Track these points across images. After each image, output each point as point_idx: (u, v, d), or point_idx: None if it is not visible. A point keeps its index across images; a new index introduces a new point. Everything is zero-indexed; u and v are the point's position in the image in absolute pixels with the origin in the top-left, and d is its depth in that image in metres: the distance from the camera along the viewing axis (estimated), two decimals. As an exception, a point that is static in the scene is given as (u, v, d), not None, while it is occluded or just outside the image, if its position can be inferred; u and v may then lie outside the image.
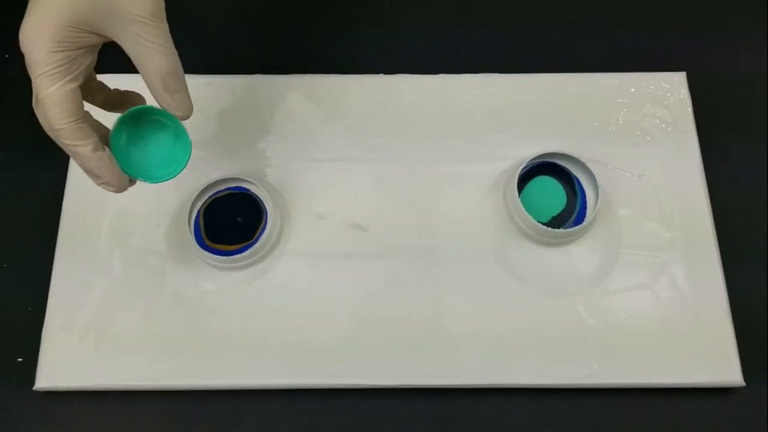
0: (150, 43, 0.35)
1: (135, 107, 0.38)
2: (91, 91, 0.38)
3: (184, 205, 0.49)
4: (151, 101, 0.39)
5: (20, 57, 0.54)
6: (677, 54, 0.55)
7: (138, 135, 0.39)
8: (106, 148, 0.36)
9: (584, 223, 0.48)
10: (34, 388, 0.45)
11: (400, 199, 0.50)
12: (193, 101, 0.51)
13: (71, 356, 0.45)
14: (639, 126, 0.52)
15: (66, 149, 0.35)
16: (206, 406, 0.46)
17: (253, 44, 0.56)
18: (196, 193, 0.48)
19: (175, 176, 0.40)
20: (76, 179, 0.50)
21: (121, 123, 0.38)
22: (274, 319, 0.46)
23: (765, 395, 0.46)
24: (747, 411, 0.46)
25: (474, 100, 0.52)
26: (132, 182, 0.39)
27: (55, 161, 0.50)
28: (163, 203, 0.49)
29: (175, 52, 0.37)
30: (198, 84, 0.52)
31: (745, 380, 0.45)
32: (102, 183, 0.37)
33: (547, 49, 0.56)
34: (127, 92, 0.41)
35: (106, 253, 0.48)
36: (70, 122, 0.34)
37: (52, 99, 0.34)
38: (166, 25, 0.36)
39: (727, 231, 0.49)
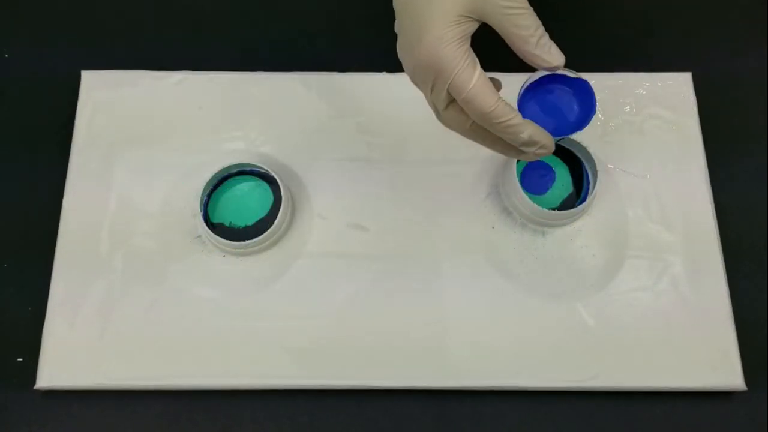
0: (518, 10, 0.37)
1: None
2: None
3: (185, 203, 0.49)
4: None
5: (20, 57, 0.55)
6: (681, 55, 0.55)
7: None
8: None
9: (584, 204, 0.47)
10: (35, 387, 0.45)
11: (402, 199, 0.49)
12: (195, 98, 0.51)
13: (71, 356, 0.45)
14: (643, 126, 0.51)
15: (499, 129, 0.37)
16: (206, 406, 0.46)
17: (254, 41, 0.56)
18: (200, 188, 0.48)
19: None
20: (76, 178, 0.50)
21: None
22: (274, 320, 0.46)
23: (766, 399, 0.46)
24: (748, 415, 0.46)
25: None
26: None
27: (55, 161, 0.50)
28: (164, 202, 0.49)
29: (533, 12, 0.38)
30: (201, 80, 0.52)
31: (747, 384, 0.45)
32: (539, 149, 0.39)
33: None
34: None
35: (106, 253, 0.48)
36: (498, 100, 0.37)
37: (477, 86, 0.36)
38: None
39: (730, 233, 0.49)
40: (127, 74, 0.52)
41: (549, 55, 0.38)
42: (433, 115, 0.51)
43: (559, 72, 0.40)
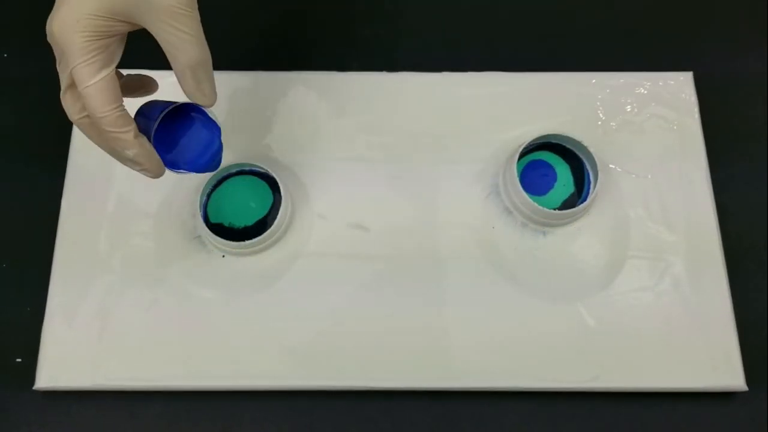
0: (181, 33, 0.35)
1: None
2: None
3: (184, 203, 0.49)
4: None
5: (20, 57, 0.55)
6: (682, 54, 0.55)
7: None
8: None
9: (585, 203, 0.47)
10: (34, 387, 0.45)
11: (403, 198, 0.49)
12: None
13: (71, 356, 0.45)
14: (644, 126, 0.51)
15: (106, 137, 0.36)
16: (206, 406, 0.46)
17: (253, 40, 0.56)
18: (199, 188, 0.48)
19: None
20: (75, 178, 0.49)
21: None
22: (274, 320, 0.46)
23: (767, 399, 0.46)
24: (749, 415, 0.46)
25: (478, 99, 0.52)
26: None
27: (54, 160, 0.50)
28: (163, 202, 0.49)
29: (206, 43, 0.37)
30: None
31: (748, 384, 0.45)
32: (142, 170, 0.38)
33: (553, 47, 0.55)
34: (141, 77, 0.42)
35: (105, 253, 0.48)
36: (113, 109, 0.35)
37: (96, 87, 0.35)
38: (197, 15, 0.36)
39: (731, 233, 0.49)
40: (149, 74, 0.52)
41: (199, 92, 0.38)
42: (437, 113, 0.52)
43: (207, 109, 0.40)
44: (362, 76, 0.53)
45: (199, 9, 0.37)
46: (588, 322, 0.46)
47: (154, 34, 0.36)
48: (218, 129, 0.41)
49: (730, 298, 0.46)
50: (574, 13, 0.57)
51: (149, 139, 0.38)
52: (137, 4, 0.35)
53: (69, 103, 0.37)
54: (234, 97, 0.52)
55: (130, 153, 0.37)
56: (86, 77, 0.35)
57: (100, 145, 0.38)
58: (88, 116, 0.36)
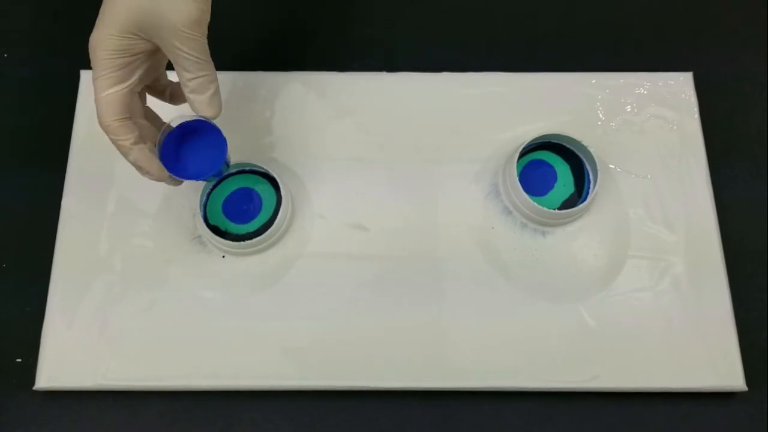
0: (187, 55, 0.39)
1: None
2: (160, 89, 0.44)
3: (184, 203, 0.49)
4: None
5: (20, 57, 0.55)
6: (682, 55, 0.55)
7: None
8: (148, 143, 0.41)
9: (585, 203, 0.47)
10: (35, 388, 0.45)
11: (402, 198, 0.49)
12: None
13: (71, 356, 0.45)
14: (644, 126, 0.51)
15: (113, 142, 0.40)
16: (206, 406, 0.46)
17: (253, 40, 0.56)
18: (199, 188, 0.48)
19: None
20: (75, 178, 0.50)
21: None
22: (274, 320, 0.46)
23: (767, 399, 0.46)
24: (749, 415, 0.46)
25: (478, 99, 0.52)
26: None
27: (55, 160, 0.50)
28: (163, 202, 0.49)
29: (212, 63, 0.41)
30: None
31: (748, 384, 0.45)
32: (144, 173, 0.42)
33: (552, 47, 0.55)
34: None
35: (105, 253, 0.48)
36: (115, 120, 0.39)
37: (104, 100, 0.39)
38: (204, 39, 0.40)
39: (731, 233, 0.49)
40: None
41: (200, 105, 0.41)
42: (436, 113, 0.52)
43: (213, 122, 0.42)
44: (362, 76, 0.53)
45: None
46: (588, 322, 0.46)
47: (165, 52, 0.40)
48: (224, 142, 0.43)
49: (730, 298, 0.47)
50: (573, 14, 0.57)
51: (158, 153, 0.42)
52: (152, 26, 0.38)
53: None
54: (234, 97, 0.52)
55: (130, 158, 0.41)
56: (99, 90, 0.39)
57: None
58: None
